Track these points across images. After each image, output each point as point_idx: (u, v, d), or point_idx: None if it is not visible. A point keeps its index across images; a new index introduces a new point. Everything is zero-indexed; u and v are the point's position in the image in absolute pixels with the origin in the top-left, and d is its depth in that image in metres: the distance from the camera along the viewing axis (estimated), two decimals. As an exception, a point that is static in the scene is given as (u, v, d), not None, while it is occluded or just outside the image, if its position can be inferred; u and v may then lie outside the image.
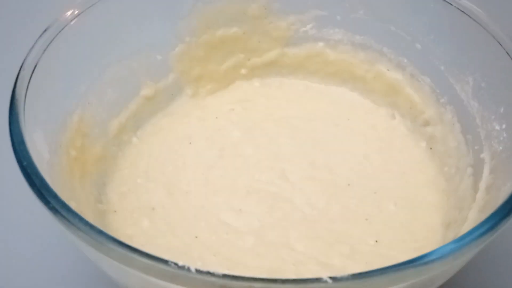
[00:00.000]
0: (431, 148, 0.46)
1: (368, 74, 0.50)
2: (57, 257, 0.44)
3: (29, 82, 0.36)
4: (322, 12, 0.49)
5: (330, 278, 0.26)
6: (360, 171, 0.44)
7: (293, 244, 0.39)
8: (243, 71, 0.52)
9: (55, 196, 0.30)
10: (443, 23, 0.44)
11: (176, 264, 0.26)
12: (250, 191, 0.43)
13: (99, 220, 0.40)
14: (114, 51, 0.45)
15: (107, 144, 0.44)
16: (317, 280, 0.26)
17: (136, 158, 0.46)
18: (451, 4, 0.42)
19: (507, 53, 0.38)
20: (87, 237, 0.28)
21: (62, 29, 0.39)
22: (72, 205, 0.30)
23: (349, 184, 0.43)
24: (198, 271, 0.26)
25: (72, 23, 0.40)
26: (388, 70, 0.49)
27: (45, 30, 0.39)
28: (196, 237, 0.40)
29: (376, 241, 0.39)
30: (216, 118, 0.49)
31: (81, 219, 0.29)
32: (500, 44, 0.39)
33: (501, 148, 0.38)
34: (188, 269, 0.26)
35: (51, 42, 0.38)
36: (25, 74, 0.36)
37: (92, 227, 0.28)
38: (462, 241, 0.28)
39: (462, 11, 0.41)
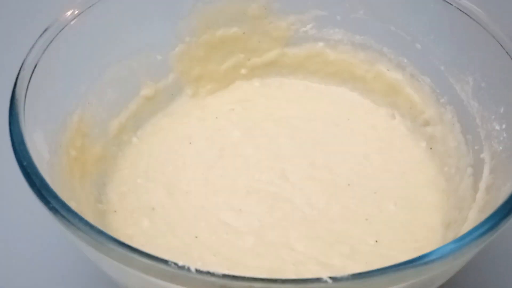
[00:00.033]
0: (431, 148, 0.46)
1: (368, 74, 0.50)
2: (57, 257, 0.44)
3: (29, 82, 0.36)
4: (322, 12, 0.49)
5: (330, 278, 0.26)
6: (360, 171, 0.44)
7: (293, 244, 0.39)
8: (243, 71, 0.52)
9: (55, 196, 0.30)
10: (443, 23, 0.44)
11: (176, 264, 0.26)
12: (250, 191, 0.43)
13: (99, 220, 0.40)
14: (114, 51, 0.45)
15: (107, 144, 0.44)
16: (317, 280, 0.26)
17: (136, 158, 0.46)
18: (451, 4, 0.42)
19: (507, 53, 0.38)
20: (87, 237, 0.28)
21: (62, 29, 0.39)
22: (72, 205, 0.30)
23: (349, 184, 0.43)
24: (198, 271, 0.26)
25: (72, 23, 0.40)
26: (388, 70, 0.49)
27: (45, 30, 0.39)
28: (196, 237, 0.40)
29: (376, 241, 0.39)
30: (216, 118, 0.49)
31: (81, 219, 0.29)
32: (500, 44, 0.39)
33: (501, 148, 0.38)
34: (188, 269, 0.26)
35: (51, 42, 0.38)
36: (25, 74, 0.36)
37: (92, 227, 0.28)
38: (462, 241, 0.28)
39: (462, 11, 0.41)
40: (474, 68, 0.42)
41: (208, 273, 0.26)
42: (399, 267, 0.26)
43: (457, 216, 0.39)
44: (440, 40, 0.45)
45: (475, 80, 0.42)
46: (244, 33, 0.50)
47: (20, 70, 0.36)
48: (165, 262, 0.27)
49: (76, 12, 0.41)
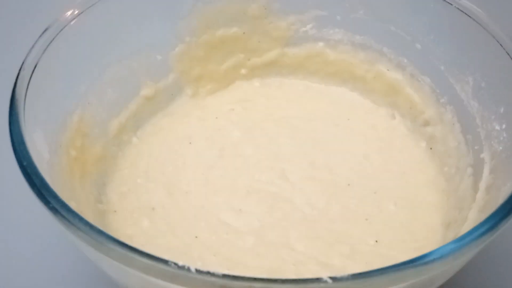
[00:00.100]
0: (431, 148, 0.46)
1: (368, 74, 0.50)
2: (57, 257, 0.44)
3: (29, 82, 0.36)
4: (322, 12, 0.49)
5: (330, 278, 0.26)
6: (360, 171, 0.44)
7: (293, 244, 0.39)
8: (243, 71, 0.52)
9: (55, 196, 0.30)
10: (443, 23, 0.44)
11: (176, 264, 0.26)
12: (250, 191, 0.43)
13: (99, 220, 0.40)
14: (114, 51, 0.45)
15: (107, 144, 0.44)
16: (317, 280, 0.26)
17: (136, 158, 0.46)
18: (451, 4, 0.42)
19: (507, 53, 0.38)
20: (87, 237, 0.28)
21: (62, 29, 0.39)
22: (72, 205, 0.30)
23: (349, 184, 0.43)
24: (198, 271, 0.26)
25: (72, 23, 0.40)
26: (388, 70, 0.49)
27: (45, 30, 0.39)
28: (196, 237, 0.40)
29: (376, 241, 0.39)
30: (216, 118, 0.49)
31: (81, 219, 0.29)
32: (500, 44, 0.39)
33: (501, 148, 0.38)
34: (188, 269, 0.26)
35: (51, 42, 0.38)
36: (25, 74, 0.36)
37: (92, 227, 0.28)
38: (462, 241, 0.28)
39: (462, 11, 0.41)
40: (474, 68, 0.42)
41: (208, 273, 0.26)
42: (399, 267, 0.26)
43: (457, 216, 0.39)
44: (440, 40, 0.45)
45: (475, 80, 0.42)
46: (244, 33, 0.50)
47: (20, 70, 0.36)
48: (165, 262, 0.27)
49: (76, 12, 0.41)
